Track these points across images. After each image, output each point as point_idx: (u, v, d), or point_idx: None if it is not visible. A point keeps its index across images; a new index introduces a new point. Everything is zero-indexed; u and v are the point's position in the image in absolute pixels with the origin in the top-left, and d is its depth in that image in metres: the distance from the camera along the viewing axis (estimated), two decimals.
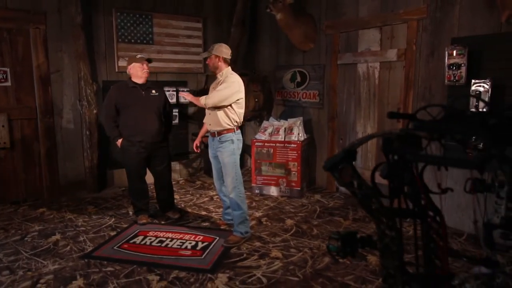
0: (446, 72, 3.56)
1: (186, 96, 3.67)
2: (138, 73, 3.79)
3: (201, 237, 3.58)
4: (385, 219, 1.10)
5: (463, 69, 3.44)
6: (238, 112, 3.45)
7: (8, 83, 4.48)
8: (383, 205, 1.13)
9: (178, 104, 5.39)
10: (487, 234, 1.31)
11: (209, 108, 3.44)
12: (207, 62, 3.54)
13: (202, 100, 3.41)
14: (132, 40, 5.18)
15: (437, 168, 1.07)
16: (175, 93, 5.37)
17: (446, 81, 3.58)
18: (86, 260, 3.15)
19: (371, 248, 1.20)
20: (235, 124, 3.46)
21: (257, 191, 4.97)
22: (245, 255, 3.24)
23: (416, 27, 3.94)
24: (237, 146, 3.48)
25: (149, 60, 3.87)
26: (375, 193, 1.11)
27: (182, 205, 4.53)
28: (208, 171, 5.94)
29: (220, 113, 3.40)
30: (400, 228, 1.13)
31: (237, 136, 3.49)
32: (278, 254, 3.23)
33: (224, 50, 3.45)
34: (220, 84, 3.40)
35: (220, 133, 3.43)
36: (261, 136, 5.05)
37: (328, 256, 3.19)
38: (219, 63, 3.45)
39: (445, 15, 3.71)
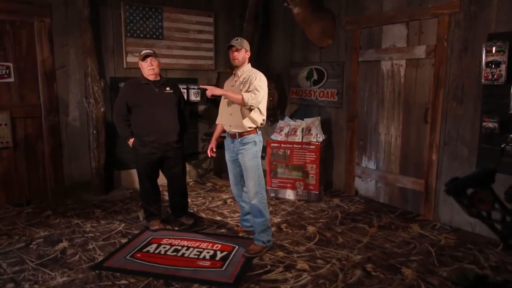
0: (483, 70, 3.32)
1: (220, 93, 3.10)
2: (144, 71, 3.56)
3: (219, 246, 3.34)
4: None
5: (503, 67, 3.20)
6: (264, 112, 3.21)
7: (11, 79, 4.22)
8: None
9: (189, 103, 5.13)
10: None
11: (246, 107, 3.06)
12: (234, 55, 3.14)
13: (246, 98, 3.00)
14: (141, 35, 4.92)
15: None
16: (185, 90, 5.11)
17: (483, 80, 3.34)
18: (97, 271, 2.90)
19: None
20: (260, 125, 3.21)
21: (272, 195, 4.72)
22: (269, 266, 2.98)
23: (447, 22, 3.69)
24: (259, 148, 3.23)
25: (150, 55, 3.49)
26: None
27: (195, 209, 4.28)
28: (218, 172, 5.70)
29: (246, 114, 3.12)
30: None
31: (259, 137, 3.24)
32: (304, 266, 2.99)
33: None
34: (247, 82, 3.12)
35: (241, 134, 3.17)
36: (277, 137, 4.79)
37: (359, 269, 2.95)
38: (247, 58, 3.23)
39: (481, 9, 3.46)
